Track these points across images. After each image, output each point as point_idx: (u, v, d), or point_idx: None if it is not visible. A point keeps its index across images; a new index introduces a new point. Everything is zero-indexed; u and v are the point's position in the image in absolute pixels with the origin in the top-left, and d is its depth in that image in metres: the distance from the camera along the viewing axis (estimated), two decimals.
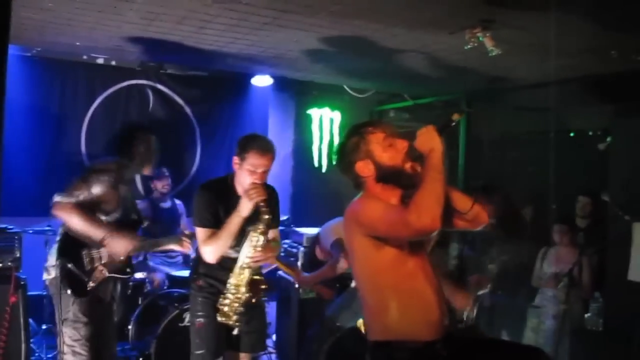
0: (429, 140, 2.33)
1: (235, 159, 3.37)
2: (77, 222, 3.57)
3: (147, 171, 4.11)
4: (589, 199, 5.53)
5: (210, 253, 3.34)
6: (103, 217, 3.73)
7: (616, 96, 5.33)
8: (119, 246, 3.67)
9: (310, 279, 4.78)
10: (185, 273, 5.27)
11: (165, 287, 5.33)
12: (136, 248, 3.82)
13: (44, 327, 5.18)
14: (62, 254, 3.60)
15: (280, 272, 5.33)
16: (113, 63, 6.11)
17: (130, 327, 4.90)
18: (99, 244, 3.65)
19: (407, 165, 2.40)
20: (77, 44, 5.09)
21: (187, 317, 4.52)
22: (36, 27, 4.51)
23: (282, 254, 5.61)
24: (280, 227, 6.14)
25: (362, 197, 2.50)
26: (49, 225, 5.16)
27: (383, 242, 2.37)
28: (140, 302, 5.06)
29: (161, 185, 5.95)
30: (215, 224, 3.36)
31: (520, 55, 4.64)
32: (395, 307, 2.37)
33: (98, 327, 3.73)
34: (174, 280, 5.31)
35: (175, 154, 6.50)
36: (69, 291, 3.57)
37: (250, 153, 3.31)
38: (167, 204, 6.07)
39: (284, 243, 5.62)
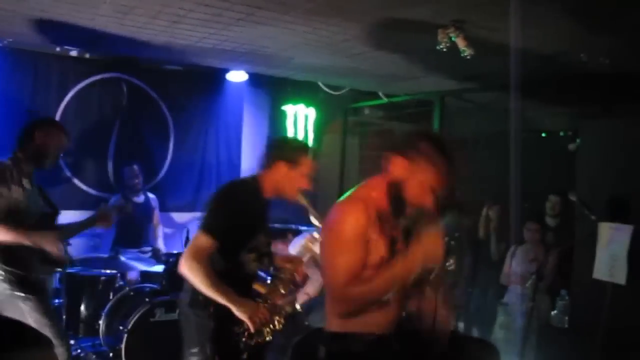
0: (436, 251, 2.25)
1: (284, 164, 3.11)
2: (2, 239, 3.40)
3: (45, 166, 3.76)
4: (559, 198, 5.63)
5: (195, 273, 2.91)
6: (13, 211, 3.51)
7: (585, 98, 5.43)
8: (47, 243, 3.50)
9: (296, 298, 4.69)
10: (158, 268, 5.26)
11: (136, 282, 5.32)
12: (61, 238, 3.63)
13: None
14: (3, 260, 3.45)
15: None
16: (87, 56, 6.05)
17: (100, 322, 4.87)
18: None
19: (422, 201, 2.33)
20: (50, 35, 5.04)
21: (157, 314, 4.51)
22: (7, 17, 4.46)
23: None
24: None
25: (350, 201, 2.39)
26: None
27: None
28: (111, 297, 5.04)
29: (131, 183, 5.93)
30: (228, 237, 2.99)
31: (491, 56, 4.70)
32: None
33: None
34: (146, 275, 5.30)
35: (148, 148, 6.48)
36: (21, 296, 3.44)
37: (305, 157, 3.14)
38: (140, 199, 6.04)
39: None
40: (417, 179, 2.31)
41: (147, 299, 4.68)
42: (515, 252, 5.50)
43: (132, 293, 4.99)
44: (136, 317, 4.51)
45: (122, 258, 5.44)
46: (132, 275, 5.53)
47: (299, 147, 3.21)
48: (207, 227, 2.95)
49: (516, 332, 5.18)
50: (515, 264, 5.44)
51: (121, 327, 4.57)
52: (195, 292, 2.99)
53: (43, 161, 3.71)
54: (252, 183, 3.16)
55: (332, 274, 2.30)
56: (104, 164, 6.24)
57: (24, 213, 3.49)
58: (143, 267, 5.42)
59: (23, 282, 3.45)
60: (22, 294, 3.44)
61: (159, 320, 4.46)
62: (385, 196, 2.39)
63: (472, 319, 5.91)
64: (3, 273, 3.42)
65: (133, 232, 5.94)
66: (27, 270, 3.48)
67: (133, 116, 6.32)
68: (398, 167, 2.35)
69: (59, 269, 3.88)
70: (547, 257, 5.26)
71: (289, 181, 3.12)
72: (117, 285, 5.18)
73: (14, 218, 3.42)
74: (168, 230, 6.52)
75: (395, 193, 2.36)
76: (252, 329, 3.00)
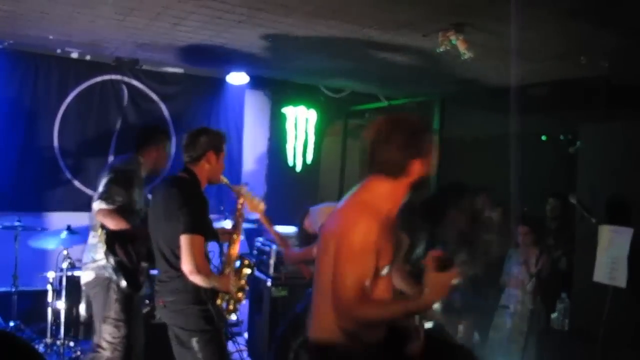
0: (441, 289, 2.15)
1: (213, 153, 3.45)
2: (120, 225, 3.73)
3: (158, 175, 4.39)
4: (559, 201, 5.63)
5: (209, 276, 3.26)
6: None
7: (585, 101, 5.43)
8: None
9: (296, 256, 4.72)
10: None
11: None
12: None
13: (11, 324, 5.11)
14: (112, 252, 3.64)
15: (257, 273, 5.33)
16: (87, 58, 6.05)
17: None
18: (141, 240, 3.68)
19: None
20: (50, 37, 5.05)
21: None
22: (8, 19, 4.46)
23: (255, 252, 5.62)
24: (253, 226, 6.15)
25: (362, 209, 2.29)
26: (18, 221, 5.12)
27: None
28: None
29: None
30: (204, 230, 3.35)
31: (492, 59, 4.71)
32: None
33: (133, 324, 3.88)
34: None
35: None
36: (123, 285, 3.66)
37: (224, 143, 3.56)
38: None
39: (257, 241, 5.63)
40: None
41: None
42: (511, 255, 5.52)
43: None
44: None
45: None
46: None
47: (221, 135, 3.50)
48: (192, 228, 3.15)
49: (512, 335, 5.18)
50: (511, 266, 5.47)
51: None
52: (200, 290, 3.24)
53: (159, 170, 4.25)
54: (191, 177, 3.37)
55: (341, 287, 2.18)
56: (104, 165, 6.21)
57: (135, 214, 3.87)
58: None
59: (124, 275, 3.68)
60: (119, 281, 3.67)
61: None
62: (392, 201, 2.34)
63: (473, 322, 5.90)
64: (103, 265, 3.74)
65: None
66: (131, 263, 3.70)
67: (134, 118, 6.32)
68: (417, 169, 2.30)
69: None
70: (538, 260, 5.27)
71: (218, 168, 3.46)
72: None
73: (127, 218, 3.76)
74: None
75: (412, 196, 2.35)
76: (234, 295, 3.45)
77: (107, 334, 3.72)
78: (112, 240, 3.65)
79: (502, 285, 5.55)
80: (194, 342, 3.24)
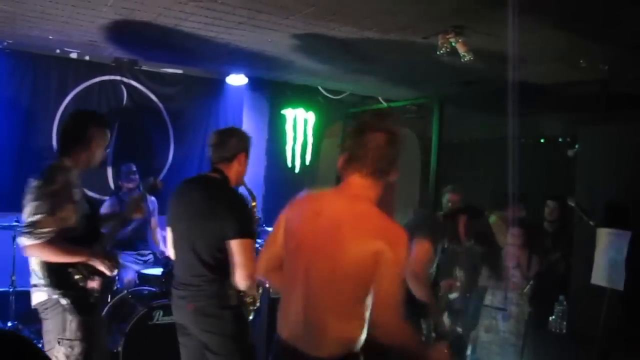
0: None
1: (245, 155, 3.40)
2: (55, 257, 3.16)
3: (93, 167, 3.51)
4: (557, 204, 5.64)
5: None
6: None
7: (584, 104, 5.45)
8: (108, 266, 3.30)
9: None
10: (156, 271, 5.25)
11: (135, 285, 5.30)
12: (105, 250, 3.42)
13: (9, 324, 5.11)
14: (53, 278, 3.20)
15: None
16: (87, 58, 6.06)
17: None
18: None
19: None
20: (50, 37, 5.05)
21: (156, 317, 4.50)
22: (7, 19, 4.46)
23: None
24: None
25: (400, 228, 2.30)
26: (16, 221, 5.11)
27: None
28: (109, 299, 5.02)
29: (128, 178, 5.89)
30: None
31: (491, 61, 4.71)
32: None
33: (92, 341, 3.57)
34: (145, 278, 5.28)
35: (148, 151, 6.47)
36: (74, 314, 3.23)
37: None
38: None
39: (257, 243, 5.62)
40: None
41: (145, 302, 4.68)
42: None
43: (130, 296, 4.98)
44: (134, 320, 4.50)
45: (121, 261, 5.42)
46: (130, 278, 5.51)
47: (249, 137, 3.42)
48: (244, 232, 3.09)
49: (503, 336, 5.19)
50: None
51: (119, 330, 4.57)
52: (236, 295, 3.19)
53: (93, 164, 3.44)
54: (223, 178, 3.27)
55: (395, 305, 2.23)
56: (103, 168, 6.22)
57: (73, 228, 3.21)
58: (142, 270, 5.41)
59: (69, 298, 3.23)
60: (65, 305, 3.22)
61: (157, 323, 4.45)
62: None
63: (469, 323, 5.91)
64: (49, 289, 3.20)
65: (130, 235, 5.92)
66: (74, 289, 3.25)
67: (132, 119, 6.32)
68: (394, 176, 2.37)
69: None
70: (530, 262, 5.28)
71: (244, 170, 3.38)
72: (115, 288, 5.16)
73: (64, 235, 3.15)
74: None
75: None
76: (256, 300, 3.59)
77: (60, 354, 3.29)
78: (52, 270, 3.19)
79: (486, 285, 5.57)
80: (228, 346, 3.18)
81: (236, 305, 3.20)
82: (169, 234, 3.45)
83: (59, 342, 3.25)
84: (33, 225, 3.05)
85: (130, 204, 3.81)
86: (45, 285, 3.19)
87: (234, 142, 3.33)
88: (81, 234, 3.24)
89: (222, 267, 3.14)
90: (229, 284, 3.14)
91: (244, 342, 3.22)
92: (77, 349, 3.29)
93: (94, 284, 3.30)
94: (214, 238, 3.12)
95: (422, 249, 3.71)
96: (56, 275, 3.18)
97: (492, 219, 5.30)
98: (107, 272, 3.31)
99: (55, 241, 3.09)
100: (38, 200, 3.09)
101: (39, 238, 3.04)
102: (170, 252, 3.54)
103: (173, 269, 3.52)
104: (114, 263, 3.34)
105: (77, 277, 3.25)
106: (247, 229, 3.12)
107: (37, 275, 3.24)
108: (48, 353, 3.19)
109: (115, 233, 3.81)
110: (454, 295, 4.35)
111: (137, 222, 5.63)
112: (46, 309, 3.24)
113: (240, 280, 3.08)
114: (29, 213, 3.09)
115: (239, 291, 3.20)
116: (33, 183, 3.18)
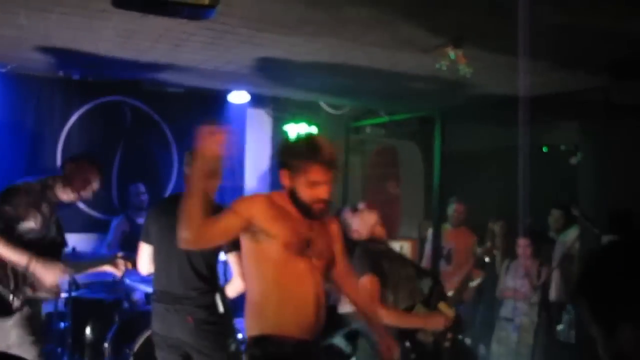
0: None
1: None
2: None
3: (76, 198, 3.77)
4: (562, 212, 5.64)
5: None
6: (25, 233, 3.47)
7: (586, 112, 5.45)
8: (48, 274, 3.41)
9: None
10: None
11: (142, 304, 5.30)
12: (65, 272, 3.56)
13: None
14: None
15: None
16: (89, 79, 6.09)
17: (106, 345, 4.85)
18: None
19: None
20: (53, 60, 5.09)
21: None
22: (11, 43, 4.50)
23: None
24: None
25: None
26: None
27: (263, 236, 2.59)
28: (116, 320, 5.02)
29: (137, 200, 5.95)
30: None
31: (491, 73, 4.73)
32: (273, 302, 2.58)
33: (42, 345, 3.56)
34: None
35: (152, 171, 6.48)
36: None
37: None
38: (142, 220, 6.04)
39: None
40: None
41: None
42: (509, 267, 5.54)
43: (137, 315, 4.98)
44: (142, 339, 4.50)
45: (127, 281, 5.42)
46: (137, 298, 5.51)
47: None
48: (238, 246, 3.19)
49: (513, 347, 5.17)
50: (508, 279, 5.48)
51: (127, 350, 4.56)
52: (218, 305, 3.45)
53: (78, 194, 3.68)
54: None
55: None
56: (107, 187, 6.24)
57: (34, 240, 3.40)
58: (148, 288, 5.41)
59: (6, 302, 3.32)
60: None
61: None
62: None
63: (478, 334, 5.89)
64: None
65: (135, 254, 5.93)
66: (12, 291, 3.36)
67: (136, 139, 6.34)
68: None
69: (48, 298, 3.75)
70: (540, 272, 5.28)
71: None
72: (122, 308, 5.16)
73: (21, 241, 3.34)
74: None
75: None
76: None
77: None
78: None
79: (498, 296, 5.56)
80: (219, 353, 3.38)
81: (223, 314, 3.42)
82: (144, 250, 3.62)
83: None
84: None
85: (114, 261, 3.99)
86: None
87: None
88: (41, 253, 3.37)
89: (214, 279, 3.48)
90: (217, 294, 3.41)
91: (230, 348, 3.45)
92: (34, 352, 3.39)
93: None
94: (210, 252, 3.35)
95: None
96: None
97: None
98: (47, 281, 3.42)
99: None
100: None
101: None
102: (144, 268, 3.69)
103: (156, 281, 3.61)
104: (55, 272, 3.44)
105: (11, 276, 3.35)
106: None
107: None
108: None
109: (85, 269, 3.94)
110: (475, 283, 4.37)
111: (112, 239, 5.70)
112: None
113: (237, 289, 3.36)
114: None
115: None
116: None
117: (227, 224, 2.64)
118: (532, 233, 5.57)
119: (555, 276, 5.24)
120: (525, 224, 5.00)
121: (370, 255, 3.48)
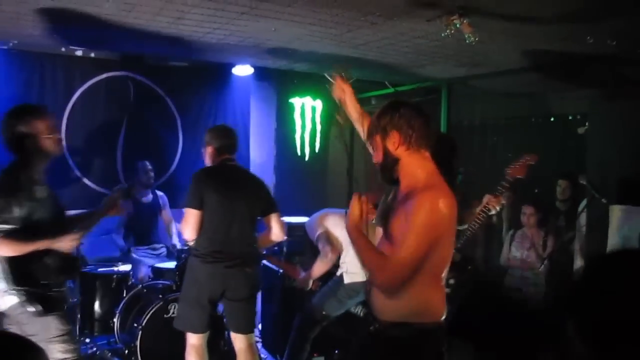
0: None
1: None
2: (15, 252, 3.14)
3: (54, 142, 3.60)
4: (569, 182, 5.60)
5: None
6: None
7: (594, 81, 5.39)
8: (66, 244, 3.26)
9: (307, 276, 4.82)
10: (170, 264, 5.29)
11: (149, 279, 5.34)
12: (80, 235, 3.35)
13: None
14: (14, 278, 3.16)
15: (265, 262, 5.35)
16: (92, 55, 6.07)
17: (115, 319, 4.91)
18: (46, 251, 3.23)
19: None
20: (55, 36, 5.05)
21: (171, 310, 4.54)
22: (12, 19, 4.47)
23: None
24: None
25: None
26: None
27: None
28: (124, 294, 5.07)
29: (145, 177, 5.98)
30: None
31: (497, 41, 4.67)
32: (425, 288, 2.47)
33: (74, 331, 3.55)
34: (158, 272, 5.32)
35: (157, 145, 6.49)
36: (42, 312, 3.18)
37: None
38: (147, 198, 6.07)
39: None
40: None
41: (160, 296, 4.72)
42: (514, 236, 5.54)
43: (145, 290, 5.03)
44: (150, 313, 4.55)
45: (135, 255, 5.46)
46: (144, 273, 5.56)
47: None
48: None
49: None
50: (514, 248, 5.48)
51: (135, 324, 4.61)
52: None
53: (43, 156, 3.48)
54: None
55: None
56: (112, 162, 6.26)
57: (37, 223, 3.22)
58: (156, 264, 5.45)
59: (39, 299, 3.19)
60: (37, 310, 3.18)
61: (173, 316, 4.49)
62: None
63: None
64: (16, 292, 3.15)
65: (141, 230, 5.97)
66: (42, 287, 3.22)
67: (140, 114, 6.34)
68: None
69: (72, 278, 3.77)
70: (545, 242, 5.27)
71: None
72: (130, 282, 5.21)
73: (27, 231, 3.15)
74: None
75: None
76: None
77: (58, 353, 3.21)
78: (11, 266, 3.14)
79: (502, 264, 5.57)
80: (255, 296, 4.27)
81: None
82: (195, 215, 3.92)
83: (50, 343, 3.16)
84: None
85: (107, 202, 3.87)
86: (10, 289, 3.15)
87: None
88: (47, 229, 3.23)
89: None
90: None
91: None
92: (71, 344, 3.30)
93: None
94: (259, 212, 4.13)
95: None
96: (19, 275, 3.15)
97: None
98: (64, 248, 3.25)
99: (13, 235, 3.09)
100: None
101: None
102: (191, 232, 3.96)
103: (210, 244, 3.96)
104: (74, 239, 3.30)
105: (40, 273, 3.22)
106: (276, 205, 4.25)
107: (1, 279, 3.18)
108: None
109: (90, 227, 3.76)
110: (494, 212, 4.38)
111: (119, 218, 5.71)
112: (20, 313, 3.18)
113: (276, 240, 4.25)
114: None
115: None
116: None
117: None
118: (537, 202, 5.56)
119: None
120: (533, 193, 4.98)
121: None
